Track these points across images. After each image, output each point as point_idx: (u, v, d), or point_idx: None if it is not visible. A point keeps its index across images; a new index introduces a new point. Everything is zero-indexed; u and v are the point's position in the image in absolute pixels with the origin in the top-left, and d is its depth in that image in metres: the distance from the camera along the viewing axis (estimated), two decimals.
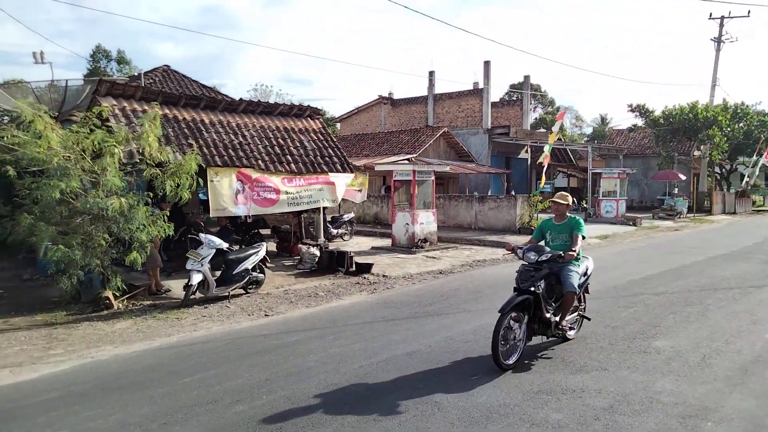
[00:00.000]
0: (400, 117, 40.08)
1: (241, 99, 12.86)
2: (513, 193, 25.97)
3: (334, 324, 7.45)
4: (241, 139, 11.47)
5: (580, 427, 4.13)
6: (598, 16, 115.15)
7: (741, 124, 32.18)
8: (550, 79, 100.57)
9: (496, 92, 53.37)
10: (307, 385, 5.00)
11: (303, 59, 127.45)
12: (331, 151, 13.10)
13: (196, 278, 8.53)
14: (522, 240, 16.89)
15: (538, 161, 24.76)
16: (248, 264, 9.36)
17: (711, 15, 33.40)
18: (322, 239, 13.86)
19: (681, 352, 5.95)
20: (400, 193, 16.51)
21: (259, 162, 11.18)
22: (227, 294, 9.14)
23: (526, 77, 36.48)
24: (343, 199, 13.95)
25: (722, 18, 32.91)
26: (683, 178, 30.47)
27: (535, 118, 60.39)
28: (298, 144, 12.52)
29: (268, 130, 12.32)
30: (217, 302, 8.82)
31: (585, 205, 27.84)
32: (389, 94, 42.34)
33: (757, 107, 36.29)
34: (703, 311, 7.82)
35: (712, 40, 33.38)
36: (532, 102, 66.93)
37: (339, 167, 12.71)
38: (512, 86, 54.72)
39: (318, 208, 12.89)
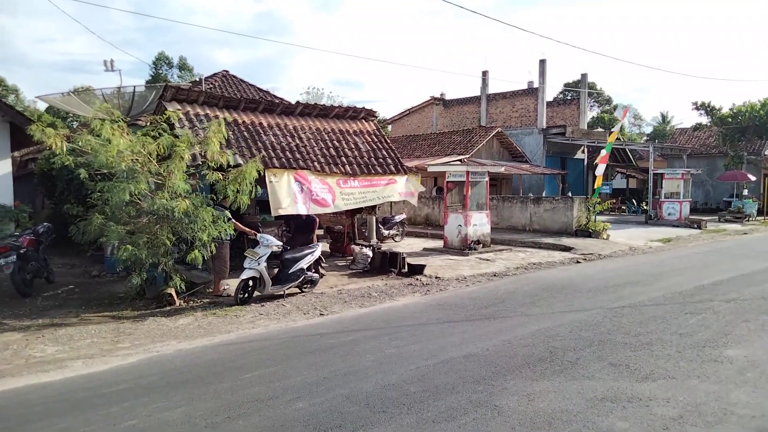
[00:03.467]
0: (452, 118, 39.81)
1: (297, 102, 13.13)
2: (570, 194, 25.27)
3: (388, 325, 7.46)
4: (297, 141, 11.69)
5: None
6: (657, 9, 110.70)
7: None
8: (607, 77, 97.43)
9: (551, 91, 52.03)
10: (365, 385, 5.02)
11: (355, 62, 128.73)
12: (385, 152, 13.15)
13: (246, 274, 8.78)
14: (580, 242, 16.48)
15: (595, 162, 23.99)
16: (303, 264, 9.51)
17: None
18: (374, 240, 13.93)
19: (756, 362, 5.61)
20: (452, 195, 16.38)
21: (315, 164, 11.35)
22: (283, 293, 9.32)
23: (584, 75, 35.54)
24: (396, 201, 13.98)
25: None
26: (753, 178, 28.83)
27: (592, 118, 58.55)
28: (353, 146, 12.64)
29: (323, 133, 12.49)
30: (273, 301, 9.00)
31: (645, 207, 26.77)
32: (441, 95, 42.14)
33: None
34: None
35: None
36: (589, 101, 64.96)
37: (393, 168, 12.74)
38: (566, 85, 53.29)
39: (373, 208, 12.98)
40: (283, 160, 10.88)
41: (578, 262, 13.56)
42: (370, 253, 12.23)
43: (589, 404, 4.54)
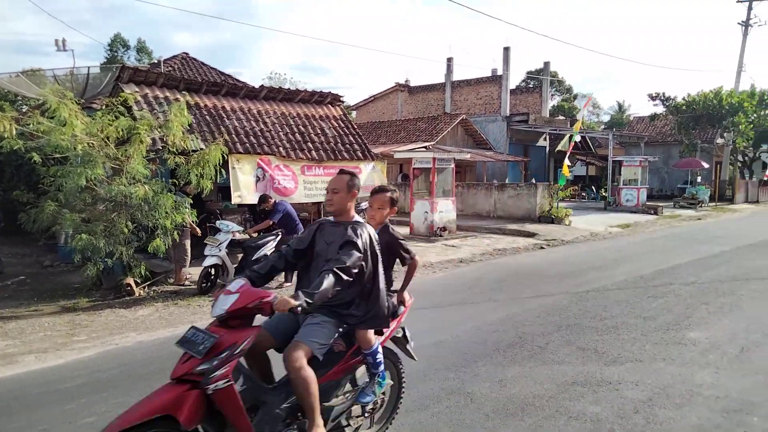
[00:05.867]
0: (416, 104, 39.77)
1: (262, 86, 12.75)
2: (533, 181, 25.66)
3: None
4: (262, 126, 11.39)
5: (620, 420, 3.99)
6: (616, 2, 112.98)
7: (767, 111, 31.37)
8: (568, 66, 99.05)
9: (514, 79, 52.83)
10: None
11: (320, 48, 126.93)
12: (352, 138, 12.97)
13: (208, 261, 8.51)
14: (543, 228, 16.73)
15: (557, 149, 24.35)
16: (267, 250, 9.24)
17: None
18: None
19: (717, 344, 5.76)
20: (418, 181, 16.39)
21: (280, 149, 11.09)
22: None
23: (546, 63, 36.00)
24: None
25: (751, 1, 32.02)
26: (706, 166, 29.85)
27: (553, 106, 59.71)
28: (318, 131, 12.40)
29: (288, 117, 12.21)
30: None
31: (605, 194, 27.40)
32: (406, 81, 41.96)
33: None
34: (736, 302, 7.59)
35: (739, 24, 32.55)
36: (550, 89, 66.14)
37: (360, 154, 12.58)
38: (529, 73, 53.99)
39: None
40: (247, 145, 10.58)
41: (542, 247, 13.74)
42: None
43: (561, 389, 4.55)
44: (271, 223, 9.22)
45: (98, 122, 7.90)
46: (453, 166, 16.25)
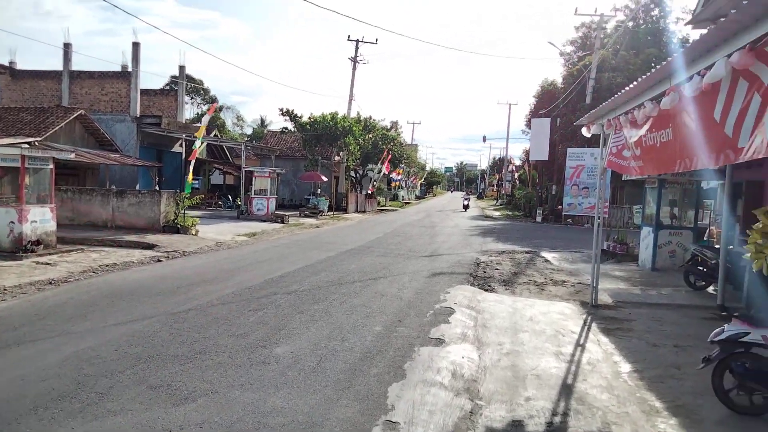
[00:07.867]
0: (23, 92, 33.11)
1: None
2: (158, 188, 24.01)
3: None
4: None
5: None
6: (267, 20, 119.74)
7: (370, 135, 37.43)
8: (216, 78, 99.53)
9: (159, 81, 49.52)
10: None
11: None
12: None
13: None
14: (166, 239, 15.45)
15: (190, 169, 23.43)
16: None
17: (349, 37, 37.90)
18: None
19: (300, 357, 5.73)
20: (3, 183, 13.12)
21: None
22: None
23: (182, 67, 34.68)
24: None
25: (357, 41, 37.65)
26: (325, 179, 33.54)
27: (197, 113, 59.02)
28: None
29: None
30: None
31: (239, 203, 27.80)
32: (10, 63, 34.36)
33: (382, 123, 43.02)
34: (327, 308, 8.02)
35: (349, 59, 37.89)
36: (195, 98, 65.23)
37: None
38: (174, 77, 51.62)
39: None
40: None
41: (159, 260, 12.55)
42: None
43: None
44: None
45: None
46: (51, 166, 13.51)
